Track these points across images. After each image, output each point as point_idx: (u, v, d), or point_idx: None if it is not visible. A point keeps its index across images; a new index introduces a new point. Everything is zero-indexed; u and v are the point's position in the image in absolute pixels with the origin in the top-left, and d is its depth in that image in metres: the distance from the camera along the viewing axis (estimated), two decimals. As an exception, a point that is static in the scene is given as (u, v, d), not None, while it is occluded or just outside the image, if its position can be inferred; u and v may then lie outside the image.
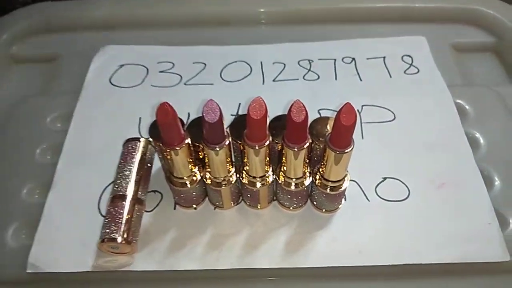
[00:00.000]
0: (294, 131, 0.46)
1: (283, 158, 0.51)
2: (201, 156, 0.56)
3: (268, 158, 0.51)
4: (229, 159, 0.51)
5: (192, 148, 0.51)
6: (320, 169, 0.52)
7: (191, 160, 0.52)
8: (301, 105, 0.44)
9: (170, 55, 0.77)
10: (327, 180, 0.52)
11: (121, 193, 0.54)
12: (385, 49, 0.77)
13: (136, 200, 0.54)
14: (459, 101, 0.68)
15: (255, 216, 0.57)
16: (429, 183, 0.59)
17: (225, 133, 0.48)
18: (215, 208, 0.58)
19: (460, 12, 0.82)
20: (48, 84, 0.75)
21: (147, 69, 0.75)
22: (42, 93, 0.74)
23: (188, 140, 0.49)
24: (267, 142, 0.48)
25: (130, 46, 0.79)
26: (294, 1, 0.83)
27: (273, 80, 0.72)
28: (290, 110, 0.44)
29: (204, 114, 0.44)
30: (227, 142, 0.48)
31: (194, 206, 0.58)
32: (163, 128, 0.46)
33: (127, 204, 0.53)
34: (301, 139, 0.47)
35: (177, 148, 0.48)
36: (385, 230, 0.55)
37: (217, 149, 0.48)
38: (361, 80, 0.72)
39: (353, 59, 0.76)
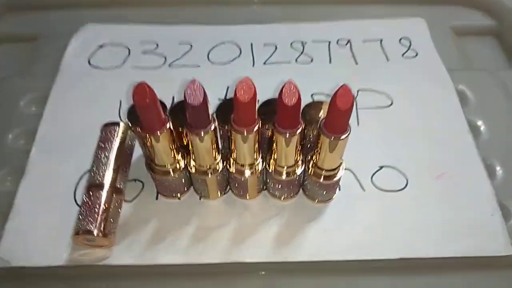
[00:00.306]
0: (286, 115, 0.42)
1: (274, 145, 0.47)
2: (185, 143, 0.52)
3: (257, 145, 0.47)
4: (215, 145, 0.47)
5: (175, 134, 0.47)
6: (314, 157, 0.49)
7: (174, 146, 0.47)
8: (294, 86, 0.40)
9: (154, 35, 0.72)
10: (321, 169, 0.48)
11: (98, 181, 0.50)
12: (382, 31, 0.73)
13: (114, 189, 0.50)
14: (459, 86, 0.65)
15: (243, 207, 0.53)
16: (428, 173, 0.56)
17: (211, 117, 0.44)
18: (200, 198, 0.54)
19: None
20: (26, 65, 0.70)
21: (129, 49, 0.70)
22: (18, 74, 0.68)
23: (170, 125, 0.45)
24: (256, 127, 0.44)
25: (111, 25, 0.74)
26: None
27: (264, 63, 0.68)
28: (281, 92, 0.40)
29: (186, 96, 0.40)
30: (212, 127, 0.44)
31: (178, 195, 0.54)
32: (142, 111, 0.42)
33: (104, 193, 0.49)
34: (293, 124, 0.43)
35: (158, 134, 0.44)
36: (381, 221, 0.52)
37: (202, 134, 0.44)
38: (356, 63, 0.68)
39: (349, 41, 0.72)
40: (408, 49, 0.71)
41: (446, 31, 0.75)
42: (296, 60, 0.69)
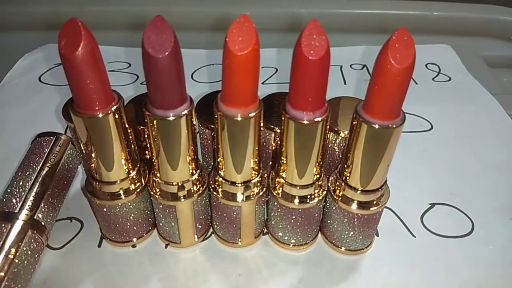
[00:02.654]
0: (306, 78, 0.26)
1: (283, 149, 0.30)
2: (147, 156, 0.35)
3: (257, 147, 0.30)
4: (192, 147, 0.30)
5: (131, 136, 0.30)
6: (343, 172, 0.32)
7: (127, 150, 0.30)
8: (319, 27, 0.25)
9: (128, 56, 0.59)
10: (355, 190, 0.31)
11: (7, 209, 0.32)
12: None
13: (31, 225, 0.32)
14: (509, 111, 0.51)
15: (232, 261, 0.35)
16: (499, 213, 0.38)
17: (185, 92, 0.28)
18: (166, 246, 0.35)
19: (485, 22, 0.67)
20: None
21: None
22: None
23: (122, 105, 0.28)
24: (257, 110, 0.27)
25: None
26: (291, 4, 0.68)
27: (262, 83, 0.54)
28: (300, 38, 0.25)
29: (145, 41, 0.25)
30: (187, 109, 0.28)
31: (133, 241, 0.35)
32: (71, 69, 0.25)
33: (13, 228, 0.31)
34: (316, 100, 0.27)
35: (100, 115, 0.27)
36: (445, 280, 0.33)
37: (171, 117, 0.27)
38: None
39: (364, 65, 0.59)
40: (438, 73, 0.59)
41: (479, 61, 0.63)
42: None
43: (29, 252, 0.31)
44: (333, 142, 0.34)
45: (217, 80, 0.55)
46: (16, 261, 0.30)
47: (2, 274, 0.29)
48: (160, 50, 0.25)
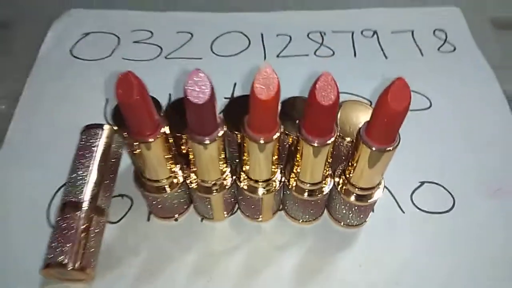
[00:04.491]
0: (319, 119, 0.32)
1: (297, 156, 0.37)
2: (184, 151, 0.42)
3: (276, 156, 0.36)
4: (223, 155, 0.37)
5: (172, 140, 0.37)
6: (347, 171, 0.39)
7: (170, 156, 0.37)
8: (331, 80, 0.30)
9: (148, 23, 0.62)
10: (355, 187, 0.38)
11: (74, 199, 0.40)
12: (413, 21, 0.63)
13: (95, 210, 0.40)
14: (505, 87, 0.55)
15: (255, 231, 0.43)
16: (480, 189, 0.46)
17: (218, 119, 0.34)
18: (202, 220, 0.44)
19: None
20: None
21: (119, 38, 0.60)
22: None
23: (166, 129, 0.34)
24: (277, 134, 0.33)
25: (99, 11, 0.63)
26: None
27: (277, 56, 0.58)
28: (314, 87, 0.30)
29: (187, 91, 0.30)
30: (220, 133, 0.34)
31: (175, 216, 0.44)
32: (127, 110, 0.31)
33: (82, 215, 0.39)
34: (326, 130, 0.33)
35: (150, 140, 0.34)
36: (427, 251, 0.42)
37: (207, 142, 0.33)
38: (386, 57, 0.58)
39: (375, 32, 0.62)
40: (444, 42, 0.61)
41: (485, 23, 0.65)
42: (315, 52, 0.59)
43: (97, 232, 0.40)
44: (340, 144, 0.41)
45: (236, 52, 0.59)
46: (89, 238, 0.39)
47: (81, 251, 0.38)
48: (200, 99, 0.30)
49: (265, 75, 0.30)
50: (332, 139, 0.34)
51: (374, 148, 0.33)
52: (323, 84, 0.30)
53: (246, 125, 0.34)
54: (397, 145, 0.33)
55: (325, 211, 0.44)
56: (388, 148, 0.33)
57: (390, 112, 0.30)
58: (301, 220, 0.44)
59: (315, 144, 0.34)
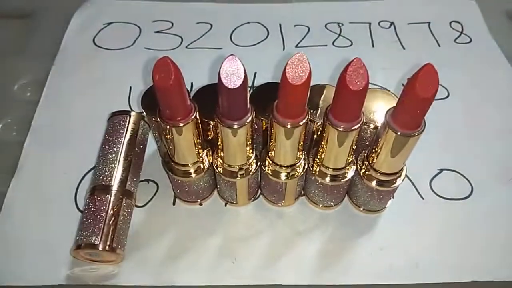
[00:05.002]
0: (347, 104, 0.33)
1: (322, 142, 0.38)
2: (210, 137, 0.43)
3: (301, 142, 0.38)
4: (250, 141, 0.38)
5: (199, 124, 0.38)
6: (370, 157, 0.39)
7: (198, 141, 0.38)
8: (361, 65, 0.31)
9: (169, 13, 0.63)
10: (377, 172, 0.39)
11: (104, 183, 0.41)
12: (430, 13, 0.64)
13: (124, 193, 0.41)
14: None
15: (277, 216, 0.44)
16: (498, 176, 0.46)
17: (249, 105, 0.35)
18: (226, 205, 0.45)
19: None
20: (21, 44, 0.61)
21: (140, 28, 0.61)
22: (12, 55, 0.59)
23: (197, 114, 0.36)
24: (305, 119, 0.34)
25: (120, 1, 0.64)
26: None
27: (296, 46, 0.59)
28: (345, 72, 0.31)
29: (222, 76, 0.31)
30: (249, 118, 0.35)
31: (200, 201, 0.45)
32: (163, 94, 0.32)
33: (111, 198, 0.40)
34: (352, 116, 0.34)
35: (181, 124, 0.35)
36: (446, 236, 0.43)
37: (236, 126, 0.34)
38: (403, 48, 0.59)
39: (392, 23, 0.62)
40: (461, 34, 0.62)
41: (500, 16, 0.65)
42: (333, 43, 0.59)
43: (126, 215, 0.41)
44: (365, 131, 0.41)
45: (255, 43, 0.60)
46: (119, 220, 0.40)
47: (111, 233, 0.39)
48: (234, 83, 0.31)
49: (297, 61, 0.31)
50: (358, 125, 0.35)
51: (399, 133, 0.34)
52: (354, 70, 0.31)
53: (274, 110, 0.35)
54: (423, 131, 0.34)
55: (346, 197, 0.46)
56: (414, 133, 0.34)
57: (418, 97, 0.31)
58: (322, 205, 0.45)
59: (341, 129, 0.35)
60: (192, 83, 0.53)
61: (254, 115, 0.35)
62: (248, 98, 0.34)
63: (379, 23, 0.62)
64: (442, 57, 0.58)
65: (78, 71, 0.55)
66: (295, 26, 0.62)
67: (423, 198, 0.45)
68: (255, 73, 0.55)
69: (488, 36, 0.61)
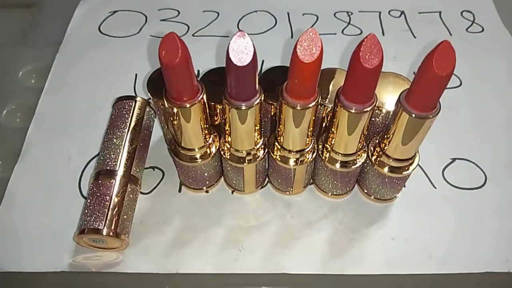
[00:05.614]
0: (360, 83, 0.32)
1: (333, 127, 0.37)
2: (217, 122, 0.42)
3: (311, 128, 0.36)
4: (258, 125, 0.37)
5: (206, 108, 0.37)
6: (382, 143, 0.38)
7: (205, 125, 0.37)
8: (376, 42, 0.30)
9: (175, 2, 0.62)
10: (390, 158, 0.38)
11: (108, 167, 0.40)
12: (440, 3, 0.63)
13: (129, 178, 0.40)
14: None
15: (285, 204, 0.43)
16: (511, 166, 0.45)
17: (257, 87, 0.34)
18: (233, 192, 0.44)
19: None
20: (26, 33, 0.60)
21: (146, 16, 0.60)
22: (17, 42, 0.59)
23: (204, 95, 0.35)
24: (315, 101, 0.33)
25: (126, -11, 0.64)
26: None
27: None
28: (358, 49, 0.30)
29: (231, 52, 0.30)
30: (258, 100, 0.34)
31: (206, 188, 0.44)
32: (170, 72, 0.31)
33: (116, 182, 0.40)
34: (365, 97, 0.33)
35: (188, 105, 0.34)
36: (460, 226, 0.41)
37: (244, 108, 0.33)
38: (415, 37, 0.58)
39: (402, 12, 0.61)
40: (472, 23, 0.60)
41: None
42: (342, 31, 0.58)
43: (131, 201, 0.41)
44: (377, 115, 0.40)
45: (263, 31, 0.59)
46: (123, 206, 0.39)
47: (116, 218, 0.38)
48: (243, 60, 0.30)
49: (309, 37, 0.30)
50: (372, 105, 0.33)
51: (414, 115, 0.33)
52: (368, 46, 0.30)
53: (284, 91, 0.34)
54: (438, 113, 0.33)
55: (356, 185, 0.44)
56: (429, 115, 0.33)
57: (435, 75, 0.30)
58: (332, 193, 0.44)
59: (353, 111, 0.33)
60: (198, 70, 0.52)
61: (263, 98, 0.34)
62: (257, 78, 0.33)
63: (389, 12, 0.61)
64: (454, 46, 0.56)
65: (83, 58, 0.55)
66: (303, 15, 0.61)
67: (435, 187, 0.44)
68: (263, 61, 0.54)
69: (500, 25, 0.60)
